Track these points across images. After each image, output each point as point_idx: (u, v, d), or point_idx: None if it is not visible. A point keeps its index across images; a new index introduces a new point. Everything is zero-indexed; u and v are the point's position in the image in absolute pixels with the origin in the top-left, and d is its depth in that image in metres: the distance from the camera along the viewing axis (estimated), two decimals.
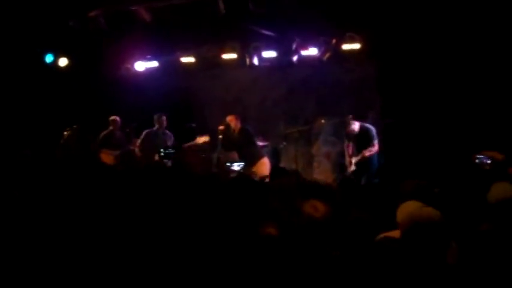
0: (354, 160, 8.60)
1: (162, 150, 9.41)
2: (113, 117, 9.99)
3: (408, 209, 3.12)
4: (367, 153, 8.42)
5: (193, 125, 10.18)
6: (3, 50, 9.38)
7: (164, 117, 9.86)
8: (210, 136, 9.21)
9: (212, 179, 5.76)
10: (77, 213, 4.10)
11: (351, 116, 8.61)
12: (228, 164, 8.67)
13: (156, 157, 9.35)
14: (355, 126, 8.56)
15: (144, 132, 9.88)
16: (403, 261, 2.73)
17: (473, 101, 8.46)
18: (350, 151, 8.75)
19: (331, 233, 3.42)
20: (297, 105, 10.40)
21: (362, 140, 8.53)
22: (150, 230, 3.68)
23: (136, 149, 9.74)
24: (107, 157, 9.60)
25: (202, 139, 9.35)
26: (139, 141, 9.85)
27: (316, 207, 3.64)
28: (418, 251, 2.71)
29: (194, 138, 9.51)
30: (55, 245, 3.60)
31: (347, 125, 8.63)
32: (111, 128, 10.00)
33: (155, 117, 9.86)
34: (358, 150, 8.55)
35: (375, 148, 8.50)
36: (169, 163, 8.83)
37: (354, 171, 8.59)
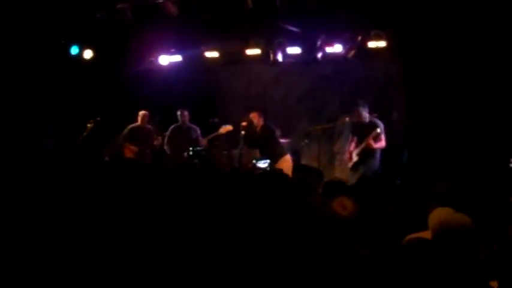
0: (356, 151, 8.37)
1: (191, 148, 9.33)
2: (142, 112, 9.76)
3: (440, 214, 3.09)
4: (371, 141, 8.16)
5: (216, 119, 10.16)
6: (28, 41, 9.44)
7: (186, 112, 9.73)
8: (234, 126, 9.20)
9: (235, 174, 5.75)
10: (97, 206, 4.11)
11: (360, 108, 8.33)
12: (254, 161, 8.62)
13: (185, 155, 9.30)
14: (366, 114, 8.34)
15: (170, 128, 9.81)
16: (434, 263, 2.70)
17: (507, 102, 8.26)
18: (352, 146, 8.51)
19: (358, 231, 3.39)
20: (320, 103, 10.36)
21: (369, 133, 8.26)
22: (175, 227, 3.69)
23: (166, 147, 9.73)
24: (130, 152, 9.61)
25: (226, 129, 9.38)
26: (166, 138, 9.77)
27: (344, 205, 3.63)
28: (449, 256, 2.68)
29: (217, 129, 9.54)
30: (75, 238, 3.61)
31: (357, 114, 8.35)
32: (139, 122, 9.80)
33: (178, 113, 9.76)
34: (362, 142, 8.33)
35: (382, 143, 8.28)
36: (197, 162, 8.83)
37: (354, 163, 8.40)
